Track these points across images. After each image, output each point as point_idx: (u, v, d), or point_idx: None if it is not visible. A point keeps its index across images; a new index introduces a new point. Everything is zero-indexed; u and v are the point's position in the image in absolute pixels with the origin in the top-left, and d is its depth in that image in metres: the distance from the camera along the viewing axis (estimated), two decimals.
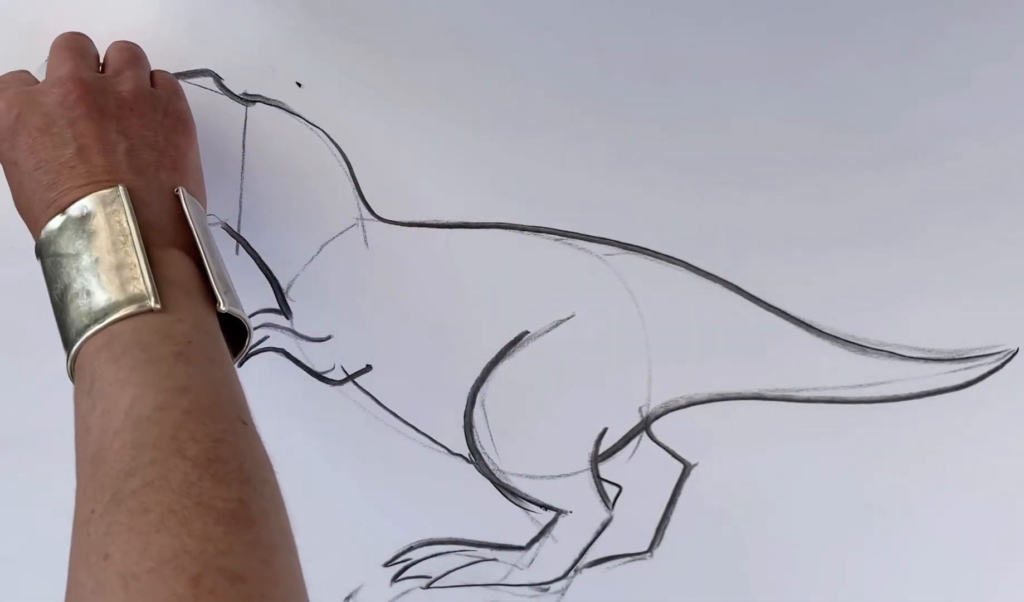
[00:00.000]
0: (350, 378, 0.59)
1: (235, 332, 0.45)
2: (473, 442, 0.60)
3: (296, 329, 0.58)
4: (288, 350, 0.59)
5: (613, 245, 0.56)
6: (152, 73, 0.50)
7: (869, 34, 0.51)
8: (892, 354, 0.59)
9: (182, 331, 0.40)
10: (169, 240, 0.43)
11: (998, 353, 0.59)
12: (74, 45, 0.48)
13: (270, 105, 0.53)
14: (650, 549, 0.64)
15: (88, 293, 0.41)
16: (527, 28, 0.51)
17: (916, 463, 0.62)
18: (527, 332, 0.58)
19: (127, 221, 0.42)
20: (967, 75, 0.52)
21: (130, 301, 0.40)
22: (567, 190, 0.55)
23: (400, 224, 0.55)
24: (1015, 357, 0.59)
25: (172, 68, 0.50)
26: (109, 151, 0.44)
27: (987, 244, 0.57)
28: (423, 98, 0.53)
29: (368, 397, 0.59)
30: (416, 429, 0.60)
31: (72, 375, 0.41)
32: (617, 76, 0.52)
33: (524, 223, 0.56)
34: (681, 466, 0.62)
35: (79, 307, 0.41)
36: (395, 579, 0.65)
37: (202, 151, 0.51)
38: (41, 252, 0.43)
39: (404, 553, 0.64)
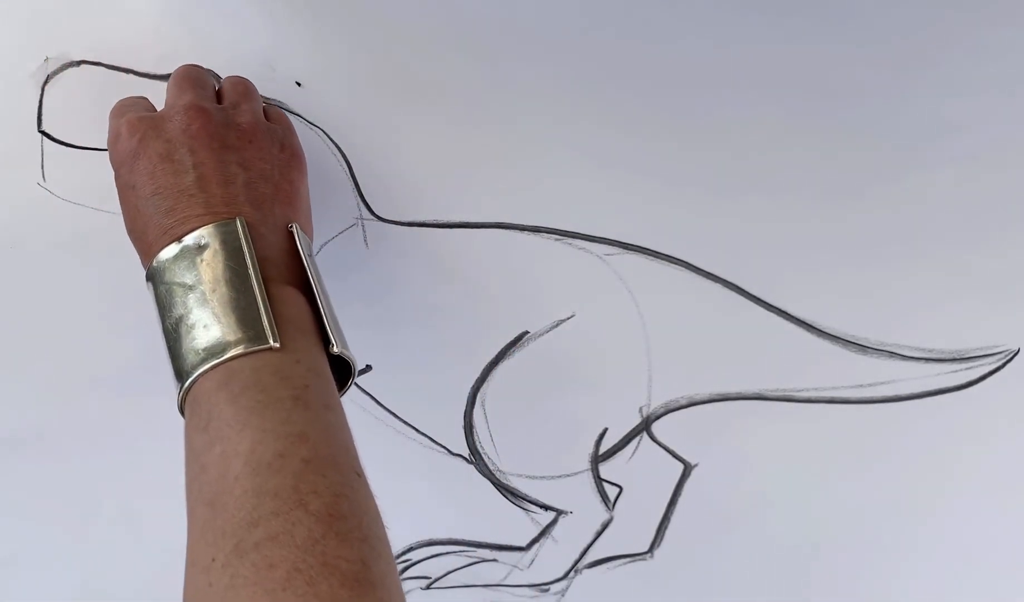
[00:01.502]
0: None
1: (335, 370, 0.44)
2: (473, 442, 0.60)
3: None
4: None
5: (613, 245, 0.56)
6: (264, 108, 0.49)
7: (869, 36, 0.51)
8: (892, 354, 0.59)
9: (299, 373, 0.39)
10: (283, 276, 0.43)
11: (998, 353, 0.59)
12: (194, 76, 0.48)
13: (270, 105, 0.53)
14: (650, 549, 0.64)
15: (205, 326, 0.40)
16: (527, 28, 0.51)
17: (917, 463, 0.62)
18: (527, 332, 0.58)
19: (246, 255, 0.41)
20: (968, 75, 0.52)
21: (249, 339, 0.39)
22: (567, 190, 0.55)
23: (400, 224, 0.55)
24: (1015, 357, 0.59)
25: (172, 68, 0.50)
26: (228, 182, 0.43)
27: (987, 244, 0.57)
28: (423, 98, 0.53)
29: (368, 397, 0.59)
30: (416, 429, 0.60)
31: (182, 407, 0.40)
32: (618, 77, 0.52)
33: (524, 223, 0.56)
34: (681, 466, 0.62)
35: (194, 339, 0.40)
36: None
37: None
38: (154, 279, 0.43)
39: (404, 554, 0.64)
